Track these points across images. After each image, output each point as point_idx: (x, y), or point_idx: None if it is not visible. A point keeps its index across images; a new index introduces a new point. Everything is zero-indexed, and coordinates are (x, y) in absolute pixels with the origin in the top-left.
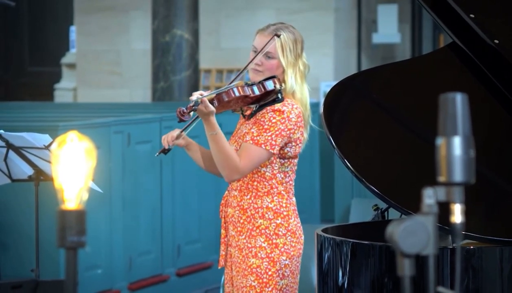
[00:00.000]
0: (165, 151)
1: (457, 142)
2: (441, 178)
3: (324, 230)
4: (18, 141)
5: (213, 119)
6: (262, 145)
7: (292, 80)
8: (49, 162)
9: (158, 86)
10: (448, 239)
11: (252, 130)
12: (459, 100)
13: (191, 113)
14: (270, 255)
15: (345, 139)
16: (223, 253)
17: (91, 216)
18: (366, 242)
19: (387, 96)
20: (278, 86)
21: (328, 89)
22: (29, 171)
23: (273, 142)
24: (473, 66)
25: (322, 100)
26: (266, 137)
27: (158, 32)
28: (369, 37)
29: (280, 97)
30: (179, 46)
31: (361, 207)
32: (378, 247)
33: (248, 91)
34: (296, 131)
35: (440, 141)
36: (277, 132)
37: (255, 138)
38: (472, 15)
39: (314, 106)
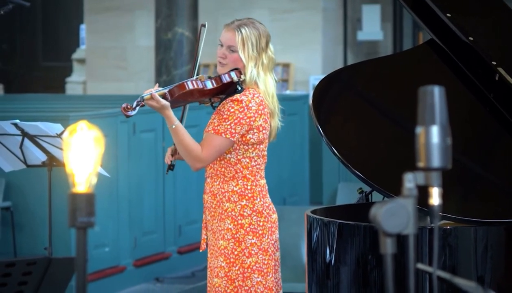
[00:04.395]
0: (170, 167)
1: (435, 131)
2: (420, 164)
3: (313, 212)
4: (33, 130)
5: (170, 112)
6: (222, 134)
7: (252, 73)
8: (61, 149)
9: (161, 80)
10: (427, 220)
11: (214, 120)
12: (436, 92)
13: (137, 108)
14: (235, 236)
15: (332, 128)
16: (205, 237)
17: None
18: (351, 223)
19: (370, 89)
20: (236, 78)
21: (317, 82)
22: (42, 157)
23: (233, 131)
24: (449, 61)
25: (311, 92)
26: (226, 126)
27: (161, 30)
28: (354, 34)
29: (239, 88)
30: (180, 43)
31: (347, 191)
32: (363, 227)
33: (201, 85)
34: (257, 119)
35: (419, 130)
36: (236, 121)
37: (215, 127)
38: (448, 14)
39: (304, 97)
